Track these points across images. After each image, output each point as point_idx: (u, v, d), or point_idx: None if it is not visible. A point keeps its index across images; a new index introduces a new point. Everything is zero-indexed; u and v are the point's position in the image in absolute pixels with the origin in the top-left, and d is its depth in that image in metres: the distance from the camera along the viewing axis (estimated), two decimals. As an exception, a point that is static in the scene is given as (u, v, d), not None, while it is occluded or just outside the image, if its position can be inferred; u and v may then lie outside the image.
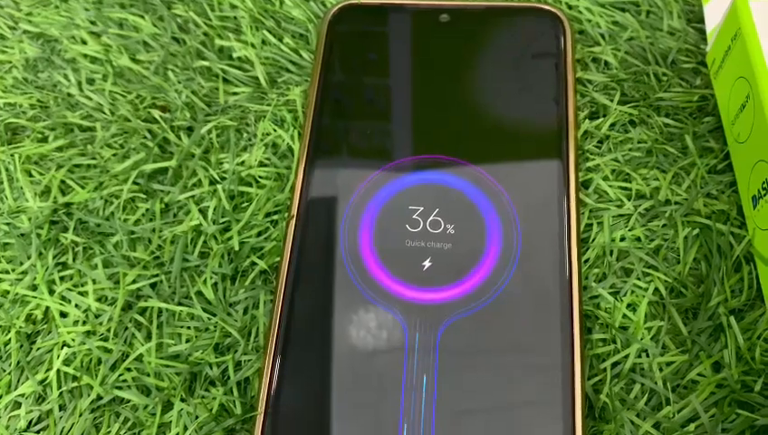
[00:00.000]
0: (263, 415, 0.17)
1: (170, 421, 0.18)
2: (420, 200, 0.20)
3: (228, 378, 0.18)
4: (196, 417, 0.18)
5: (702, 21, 0.23)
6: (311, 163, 0.20)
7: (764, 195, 0.18)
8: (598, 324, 0.18)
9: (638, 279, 0.19)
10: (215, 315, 0.19)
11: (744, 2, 0.19)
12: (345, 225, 0.19)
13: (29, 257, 0.20)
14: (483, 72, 0.21)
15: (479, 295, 0.18)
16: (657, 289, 0.19)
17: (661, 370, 0.18)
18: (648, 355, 0.18)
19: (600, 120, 0.21)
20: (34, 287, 0.20)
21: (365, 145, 0.21)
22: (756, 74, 0.18)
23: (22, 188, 0.21)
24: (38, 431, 0.18)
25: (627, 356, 0.18)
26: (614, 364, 0.18)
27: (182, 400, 0.18)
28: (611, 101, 0.21)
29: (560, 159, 0.20)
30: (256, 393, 0.18)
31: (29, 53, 0.24)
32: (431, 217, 0.19)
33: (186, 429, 0.18)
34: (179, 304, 0.19)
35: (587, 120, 0.21)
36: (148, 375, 0.19)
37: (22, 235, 0.21)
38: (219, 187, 0.21)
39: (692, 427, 0.17)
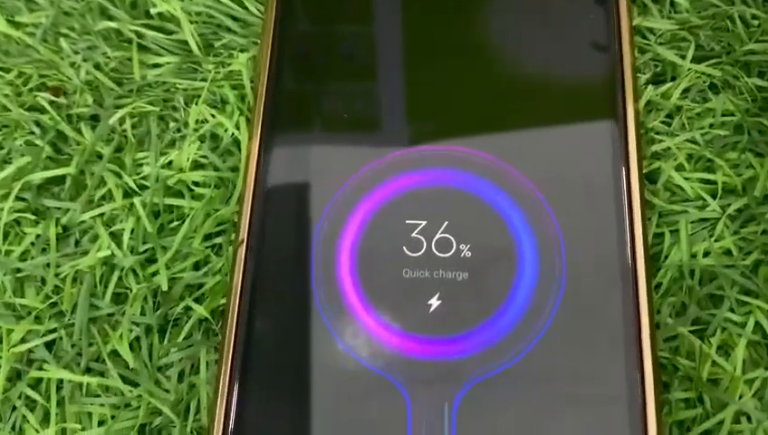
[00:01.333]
0: None
1: None
2: (423, 212, 0.16)
3: None
4: None
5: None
6: (266, 162, 0.17)
7: None
8: (677, 378, 0.15)
9: (732, 311, 0.15)
10: (138, 386, 0.16)
11: None
12: (318, 250, 0.16)
13: None
14: (505, 25, 0.18)
15: (509, 347, 0.15)
16: (758, 324, 0.15)
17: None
18: (750, 420, 0.14)
19: (669, 85, 0.18)
20: None
21: (343, 133, 0.17)
22: None
23: None
24: None
25: (721, 422, 0.14)
26: (703, 434, 0.14)
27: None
28: (683, 57, 0.18)
29: (615, 145, 0.16)
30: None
31: None
32: (438, 235, 0.16)
33: None
34: (87, 370, 0.16)
35: (650, 87, 0.17)
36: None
37: None
38: (137, 200, 0.17)
39: None
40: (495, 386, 0.15)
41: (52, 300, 0.17)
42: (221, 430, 0.15)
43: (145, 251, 0.17)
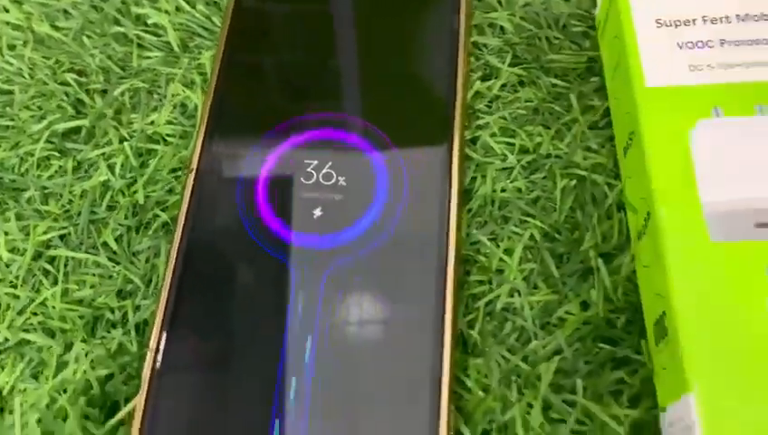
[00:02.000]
0: (153, 352, 0.20)
1: (68, 362, 0.21)
2: (314, 155, 0.22)
3: (127, 321, 0.21)
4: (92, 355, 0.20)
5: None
6: (212, 121, 0.22)
7: (631, 145, 0.20)
8: (476, 268, 0.21)
9: (516, 226, 0.21)
10: (119, 264, 0.22)
11: (617, -34, 0.22)
12: (242, 178, 0.22)
13: (-55, 211, 0.23)
14: (380, 33, 0.24)
15: (364, 243, 0.21)
16: (532, 235, 0.21)
17: (531, 308, 0.20)
18: (519, 295, 0.21)
19: (492, 81, 0.23)
20: (-51, 239, 0.23)
21: (264, 104, 0.23)
22: (624, 33, 0.21)
23: (-59, 147, 0.24)
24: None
25: (499, 296, 0.21)
26: (487, 303, 0.20)
27: (83, 341, 0.21)
28: (503, 63, 0.24)
29: (447, 115, 0.22)
30: (150, 333, 0.20)
31: (-47, 21, 0.27)
32: (324, 170, 0.22)
33: (85, 370, 0.20)
34: (86, 253, 0.22)
35: (479, 82, 0.23)
36: (53, 319, 0.21)
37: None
38: (127, 145, 0.23)
39: (556, 359, 0.20)
40: (351, 268, 0.20)
41: (65, 208, 0.24)
42: (168, 289, 0.20)
43: (130, 178, 0.23)
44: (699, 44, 0.20)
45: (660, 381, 0.18)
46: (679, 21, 0.20)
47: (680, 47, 0.20)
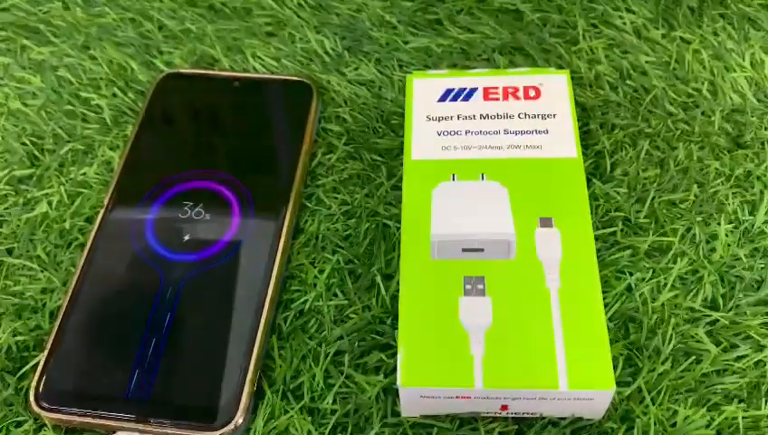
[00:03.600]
0: (56, 328, 0.28)
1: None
2: (189, 198, 0.31)
3: (46, 308, 0.29)
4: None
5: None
6: (123, 172, 0.31)
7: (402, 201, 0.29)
8: (297, 281, 0.29)
9: (329, 254, 0.30)
10: (46, 270, 0.30)
11: (410, 79, 0.31)
12: (137, 213, 0.30)
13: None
14: (247, 117, 0.33)
15: (214, 260, 0.29)
16: (339, 260, 0.30)
17: (329, 310, 0.28)
18: (322, 299, 0.29)
19: (331, 154, 0.33)
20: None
21: (159, 160, 0.32)
22: (406, 124, 0.30)
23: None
24: None
25: (308, 300, 0.29)
26: (301, 305, 0.29)
27: (11, 320, 0.29)
28: (340, 142, 0.33)
29: (291, 175, 0.31)
30: (56, 315, 0.28)
31: (-48, 97, 0.36)
32: (196, 209, 0.31)
33: (10, 338, 0.28)
34: (21, 261, 0.30)
35: (321, 154, 0.33)
36: (-7, 306, 0.29)
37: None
38: (62, 187, 0.32)
39: (339, 342, 0.27)
40: (203, 276, 0.28)
41: (13, 230, 0.33)
42: (71, 288, 0.28)
43: (62, 211, 0.33)
44: (451, 133, 0.29)
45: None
46: (441, 117, 0.29)
47: (438, 134, 0.29)
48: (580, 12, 0.36)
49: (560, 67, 0.34)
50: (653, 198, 0.30)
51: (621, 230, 0.29)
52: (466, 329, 0.24)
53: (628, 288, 0.28)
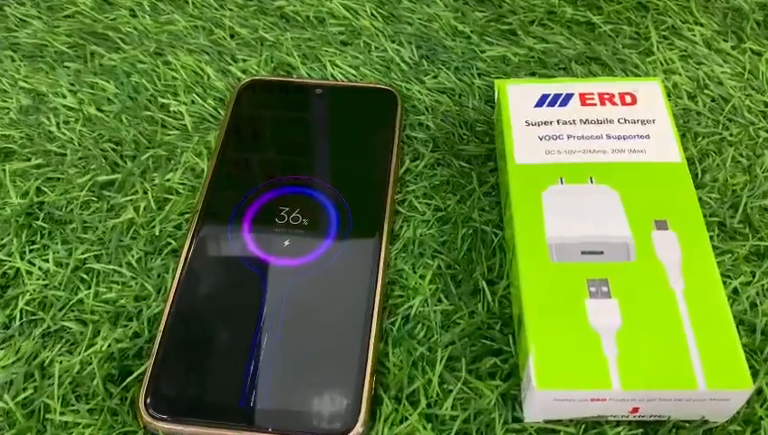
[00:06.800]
0: (161, 335, 0.27)
1: (96, 342, 0.27)
2: (287, 203, 0.30)
3: (142, 315, 0.28)
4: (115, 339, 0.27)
5: (493, 100, 0.35)
6: (214, 179, 0.31)
7: (508, 205, 0.29)
8: (398, 286, 0.29)
9: (428, 259, 0.29)
10: (138, 277, 0.29)
11: (503, 84, 0.31)
12: (233, 218, 0.30)
13: (8, 235, 0.30)
14: (340, 127, 0.33)
15: (317, 265, 0.29)
16: (439, 265, 0.29)
17: (435, 314, 0.28)
18: (428, 305, 0.28)
19: (418, 161, 0.33)
20: (10, 254, 0.30)
21: (250, 166, 0.31)
22: (504, 130, 0.30)
23: (8, 190, 0.32)
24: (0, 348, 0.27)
25: (413, 305, 0.28)
26: (406, 311, 0.28)
27: (108, 329, 0.28)
28: (427, 150, 0.33)
29: (384, 181, 0.31)
30: (158, 323, 0.27)
31: (23, 102, 0.35)
32: (294, 214, 0.30)
33: (108, 346, 0.27)
34: (112, 267, 0.29)
35: (408, 161, 0.32)
36: (86, 313, 0.28)
37: (4, 221, 0.31)
38: (149, 193, 0.31)
39: (450, 347, 0.27)
40: (308, 281, 0.28)
41: (100, 237, 0.32)
42: (173, 294, 0.28)
43: (150, 217, 0.33)
44: (554, 137, 0.29)
45: (520, 361, 0.25)
46: (540, 122, 0.29)
47: (540, 139, 0.29)
48: (651, 24, 0.37)
49: (636, 76, 0.35)
50: (745, 203, 0.30)
51: (718, 235, 0.29)
52: (597, 331, 0.24)
53: (735, 291, 0.28)
